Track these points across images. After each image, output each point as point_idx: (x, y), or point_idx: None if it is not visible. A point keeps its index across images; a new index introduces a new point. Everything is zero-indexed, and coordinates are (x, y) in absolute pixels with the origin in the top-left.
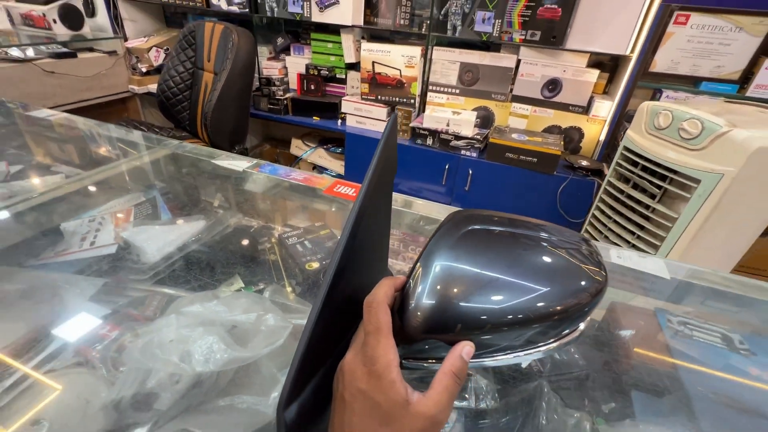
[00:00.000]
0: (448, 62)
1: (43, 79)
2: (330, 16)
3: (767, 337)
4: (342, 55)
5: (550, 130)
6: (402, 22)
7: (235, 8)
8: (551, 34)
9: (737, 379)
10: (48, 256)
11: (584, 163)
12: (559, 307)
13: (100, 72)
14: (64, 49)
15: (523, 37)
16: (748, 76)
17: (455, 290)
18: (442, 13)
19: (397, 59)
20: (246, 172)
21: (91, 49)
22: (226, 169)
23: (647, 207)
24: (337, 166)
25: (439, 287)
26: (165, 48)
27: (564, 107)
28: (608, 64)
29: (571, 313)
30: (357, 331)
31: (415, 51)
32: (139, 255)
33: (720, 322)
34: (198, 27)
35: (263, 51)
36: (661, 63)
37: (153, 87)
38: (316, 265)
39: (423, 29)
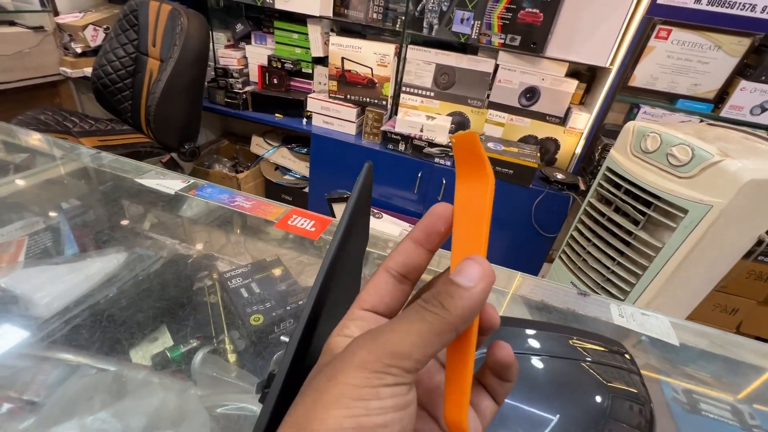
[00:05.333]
0: (423, 63)
1: None
2: (295, 4)
3: None
4: (308, 48)
5: (526, 140)
6: (375, 16)
7: None
8: (531, 40)
9: None
10: None
11: (560, 176)
12: None
13: (23, 50)
14: None
15: (502, 41)
16: (723, 96)
17: None
18: (418, 9)
19: (369, 57)
20: (179, 195)
21: (12, 23)
22: (153, 190)
23: (629, 233)
24: (302, 167)
25: None
26: (105, 27)
27: (541, 117)
28: (585, 75)
29: None
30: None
31: (389, 49)
32: (27, 308)
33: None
34: (141, 6)
35: (220, 37)
36: (640, 77)
37: (90, 71)
38: (262, 319)
39: (398, 26)
